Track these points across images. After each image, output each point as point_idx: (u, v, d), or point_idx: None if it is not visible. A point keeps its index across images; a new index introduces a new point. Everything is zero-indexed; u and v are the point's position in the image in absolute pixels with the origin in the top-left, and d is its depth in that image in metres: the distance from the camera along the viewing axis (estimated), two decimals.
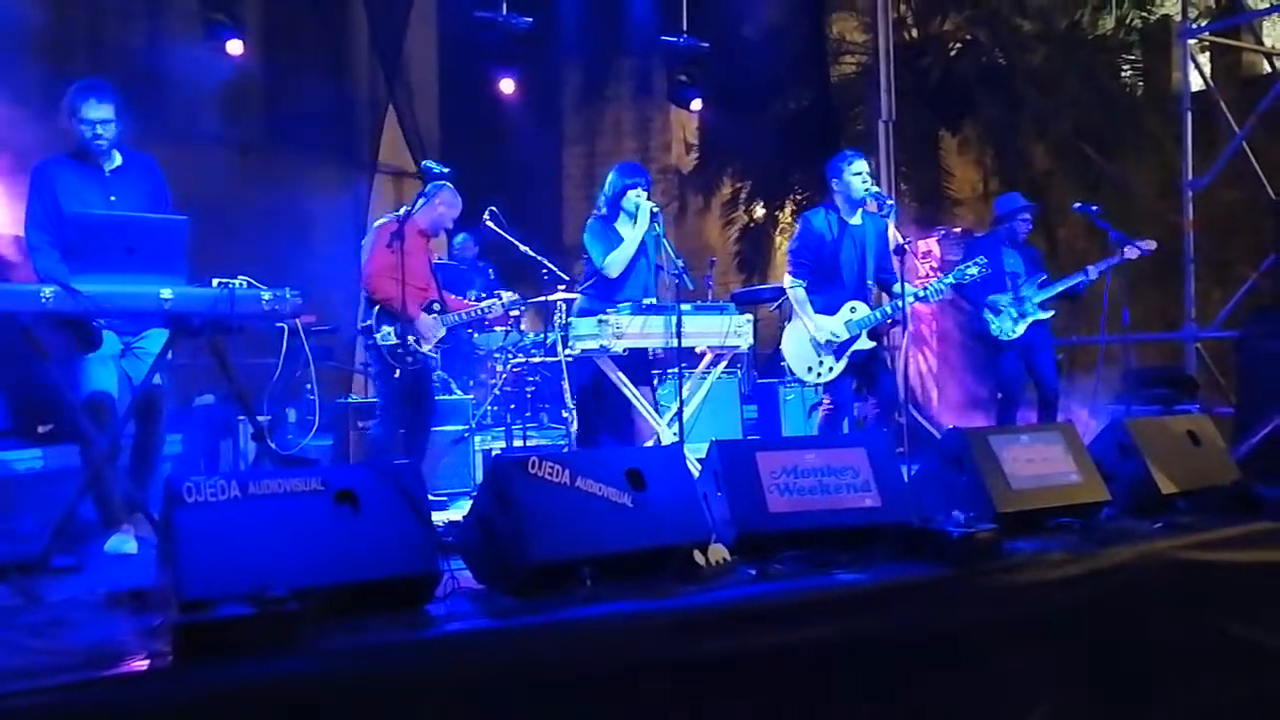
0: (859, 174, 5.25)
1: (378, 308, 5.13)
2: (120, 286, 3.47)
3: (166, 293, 3.50)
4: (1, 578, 3.22)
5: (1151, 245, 6.29)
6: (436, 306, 5.30)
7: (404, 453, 5.20)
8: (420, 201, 5.31)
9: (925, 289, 5.46)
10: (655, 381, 5.55)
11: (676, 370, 4.96)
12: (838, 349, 5.26)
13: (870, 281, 5.40)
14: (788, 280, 5.43)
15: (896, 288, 5.26)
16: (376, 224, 5.33)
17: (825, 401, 5.46)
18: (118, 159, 4.17)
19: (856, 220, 5.35)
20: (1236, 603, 3.76)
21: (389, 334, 5.09)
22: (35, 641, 2.57)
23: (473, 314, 5.55)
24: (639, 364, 5.18)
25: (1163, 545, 3.70)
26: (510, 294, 5.76)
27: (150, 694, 2.25)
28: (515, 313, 5.94)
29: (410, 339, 5.12)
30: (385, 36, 10.12)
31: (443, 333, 5.31)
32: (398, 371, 5.12)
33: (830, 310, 5.29)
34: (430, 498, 5.11)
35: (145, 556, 3.65)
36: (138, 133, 4.21)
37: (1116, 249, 6.28)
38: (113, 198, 4.08)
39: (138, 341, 4.09)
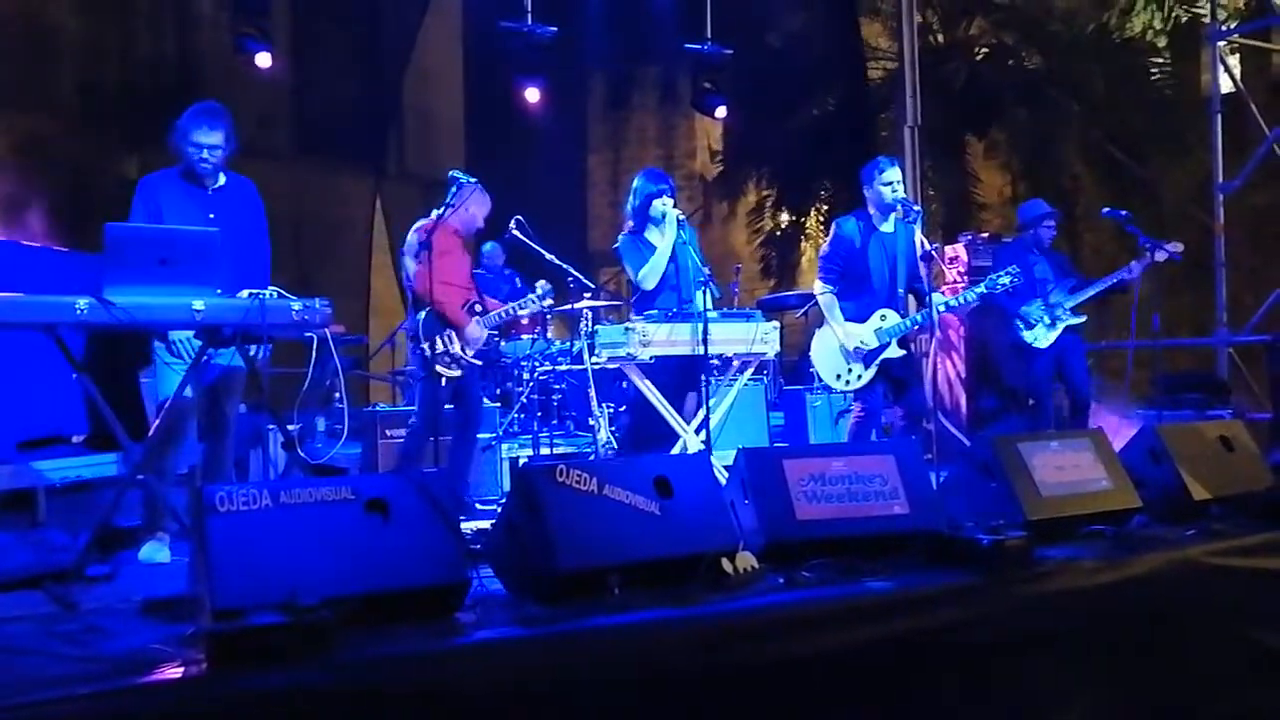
0: (889, 183, 5.22)
1: (425, 314, 5.13)
2: (154, 298, 3.51)
3: (198, 304, 3.55)
4: (38, 586, 3.27)
5: (1179, 248, 6.23)
6: (479, 308, 5.29)
7: (449, 461, 5.20)
8: (448, 204, 5.31)
9: (956, 298, 5.42)
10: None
11: (703, 378, 4.96)
12: (866, 357, 5.23)
13: (902, 290, 5.36)
14: (818, 286, 5.41)
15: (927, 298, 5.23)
16: (416, 227, 5.30)
17: (856, 409, 5.43)
18: (221, 179, 4.33)
19: (888, 228, 5.32)
20: (1270, 611, 3.71)
21: (437, 342, 5.09)
22: (71, 649, 2.60)
23: (512, 312, 5.49)
24: (687, 370, 5.12)
25: (1195, 552, 3.66)
26: (543, 282, 5.66)
27: (184, 702, 2.27)
28: (549, 301, 5.93)
29: (456, 346, 5.11)
30: (395, 48, 10.21)
31: (485, 335, 5.30)
32: (444, 380, 5.11)
33: (861, 318, 5.27)
34: (478, 506, 5.20)
35: (179, 565, 3.68)
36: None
37: (1145, 254, 6.22)
38: (211, 215, 4.20)
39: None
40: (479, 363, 5.23)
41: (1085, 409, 6.41)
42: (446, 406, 5.33)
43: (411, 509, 2.91)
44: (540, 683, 2.58)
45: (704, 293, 4.98)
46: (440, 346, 5.09)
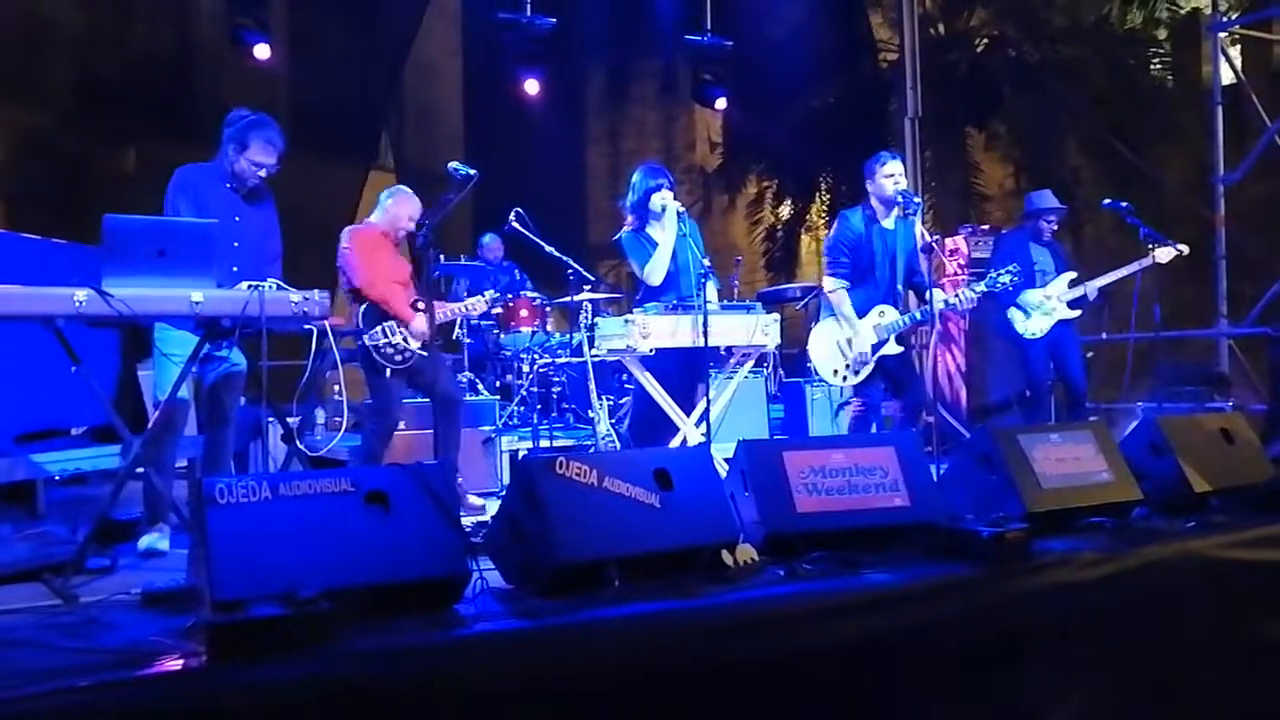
0: (890, 175, 5.19)
1: (364, 307, 5.11)
2: (152, 289, 3.50)
3: (197, 295, 3.54)
4: (37, 578, 3.27)
5: (1184, 249, 6.23)
6: (420, 305, 5.26)
7: (437, 450, 5.19)
8: (378, 208, 5.38)
9: (955, 295, 5.36)
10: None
11: (703, 370, 4.95)
12: (861, 357, 5.21)
13: (900, 285, 5.34)
14: (829, 283, 5.33)
15: (927, 294, 5.19)
16: (351, 229, 5.31)
17: (855, 403, 5.41)
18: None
19: (889, 223, 5.30)
20: (1271, 603, 3.71)
21: (377, 334, 5.07)
22: (70, 641, 2.60)
23: (457, 312, 5.52)
24: (690, 363, 5.08)
25: (1196, 545, 3.66)
26: (492, 291, 5.74)
27: (184, 694, 2.27)
28: (498, 310, 5.95)
29: (399, 338, 5.08)
30: (395, 39, 10.18)
31: (427, 329, 5.25)
32: (388, 371, 5.09)
33: (860, 313, 5.24)
34: (471, 499, 5.18)
35: (179, 557, 3.68)
36: (169, 138, 4.29)
37: (1146, 245, 6.22)
38: (237, 218, 4.27)
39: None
40: (424, 353, 5.15)
41: (1081, 401, 6.41)
42: (419, 400, 5.34)
43: (411, 501, 2.91)
44: (540, 675, 2.57)
45: (709, 285, 4.96)
46: (382, 338, 5.07)
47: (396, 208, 5.30)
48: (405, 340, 5.08)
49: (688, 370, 5.09)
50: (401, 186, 5.45)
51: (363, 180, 9.94)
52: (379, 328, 5.07)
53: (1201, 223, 9.23)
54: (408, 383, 5.22)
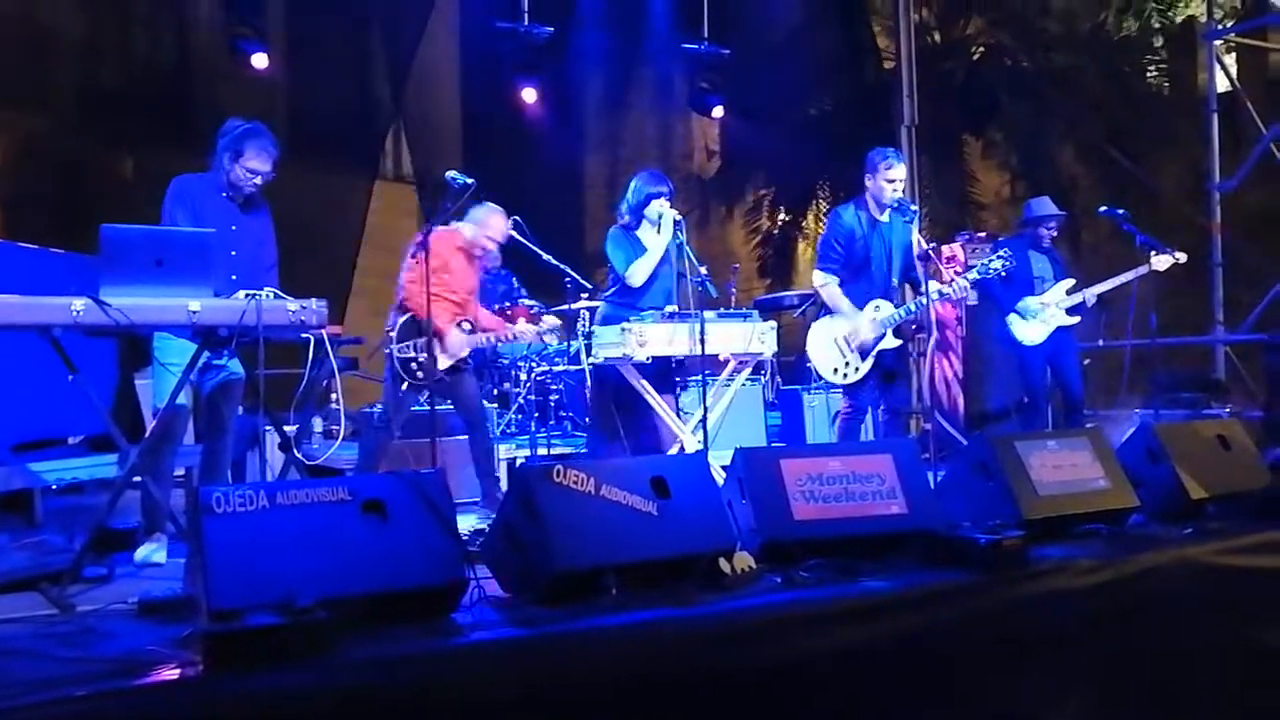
0: (891, 181, 5.20)
1: (406, 317, 5.12)
2: (150, 299, 3.51)
3: (194, 305, 3.55)
4: (34, 587, 3.27)
5: (1182, 257, 6.24)
6: (467, 325, 5.25)
7: (474, 462, 5.24)
8: (469, 219, 5.31)
9: (950, 282, 5.34)
10: (678, 389, 5.53)
11: (700, 378, 4.96)
12: (863, 349, 5.22)
13: (896, 280, 5.35)
14: (818, 278, 5.35)
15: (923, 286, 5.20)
16: (433, 226, 5.29)
17: (844, 405, 5.42)
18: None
19: (885, 217, 5.31)
20: (1267, 609, 3.72)
21: (407, 347, 5.07)
22: (67, 651, 2.60)
23: (504, 338, 5.47)
24: (662, 372, 5.16)
25: (1192, 551, 3.67)
26: (552, 318, 5.71)
27: (181, 703, 2.27)
28: (550, 338, 5.90)
29: (425, 356, 5.08)
30: (398, 48, 10.19)
31: (465, 353, 5.25)
32: (405, 385, 5.09)
33: (855, 308, 5.25)
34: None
35: (176, 566, 3.68)
36: (168, 146, 4.30)
37: (1143, 253, 6.23)
38: (234, 227, 4.28)
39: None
40: (446, 379, 5.15)
41: (1079, 408, 6.41)
42: (418, 408, 5.35)
43: (408, 510, 2.91)
44: (537, 683, 2.57)
45: (695, 294, 4.98)
46: (410, 352, 5.07)
47: (481, 228, 5.27)
48: (434, 362, 5.06)
49: (656, 381, 5.10)
50: (493, 204, 5.36)
51: (368, 190, 9.95)
52: (410, 342, 5.06)
53: (1198, 230, 9.25)
54: (450, 398, 5.23)
